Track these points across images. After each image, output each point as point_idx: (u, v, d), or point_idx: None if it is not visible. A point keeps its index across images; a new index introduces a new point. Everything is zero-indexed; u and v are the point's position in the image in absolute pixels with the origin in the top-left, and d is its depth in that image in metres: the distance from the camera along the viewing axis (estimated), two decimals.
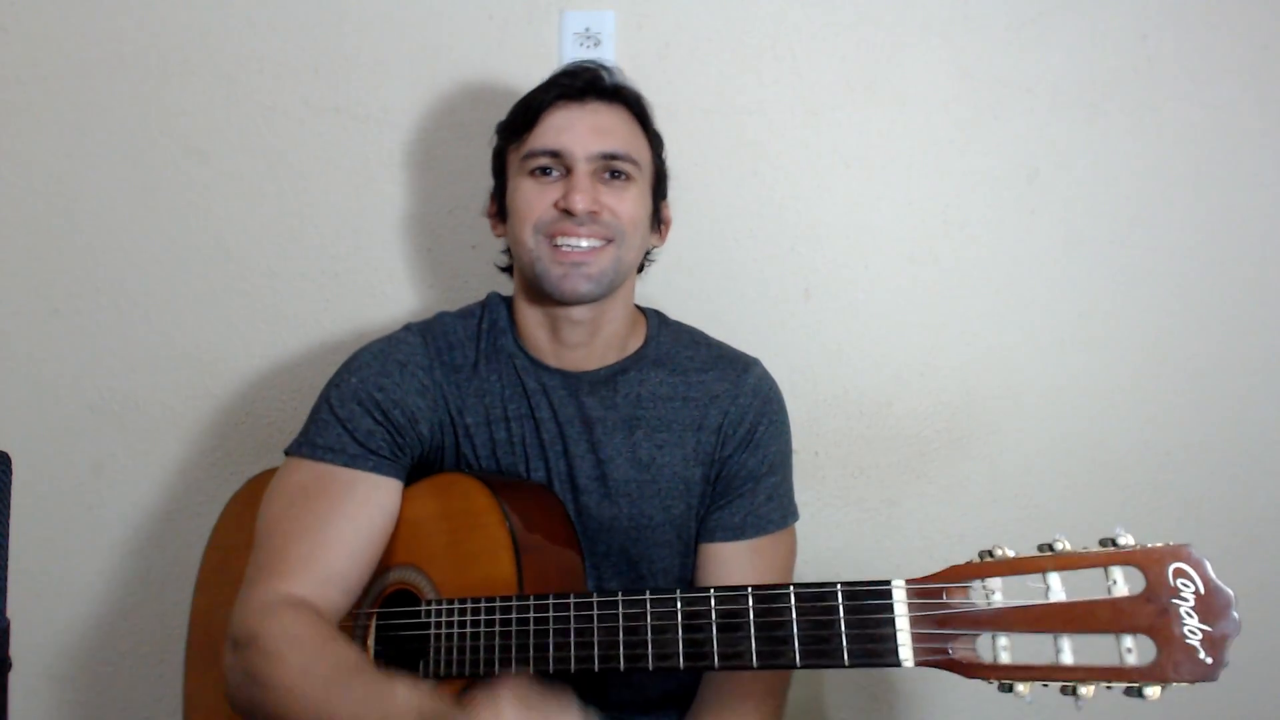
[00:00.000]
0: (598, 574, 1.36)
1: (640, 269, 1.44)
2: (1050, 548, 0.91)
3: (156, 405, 1.76)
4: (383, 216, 1.73)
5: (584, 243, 1.31)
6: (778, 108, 1.67)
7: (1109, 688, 0.88)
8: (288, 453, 1.33)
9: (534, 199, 1.32)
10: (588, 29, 1.66)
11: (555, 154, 1.32)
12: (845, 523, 1.72)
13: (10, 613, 1.21)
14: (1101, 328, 1.68)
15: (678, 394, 1.37)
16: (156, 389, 1.76)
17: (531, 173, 1.33)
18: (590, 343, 1.37)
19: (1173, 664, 0.86)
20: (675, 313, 1.47)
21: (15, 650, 1.23)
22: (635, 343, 1.41)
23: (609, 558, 1.36)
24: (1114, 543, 0.90)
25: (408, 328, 1.41)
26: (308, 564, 1.22)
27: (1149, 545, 0.88)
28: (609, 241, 1.32)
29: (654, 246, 1.45)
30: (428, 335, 1.39)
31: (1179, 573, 0.87)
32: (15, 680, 1.22)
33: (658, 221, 1.43)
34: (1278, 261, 1.67)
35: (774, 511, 1.37)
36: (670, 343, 1.42)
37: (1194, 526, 1.69)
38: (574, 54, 1.64)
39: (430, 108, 1.70)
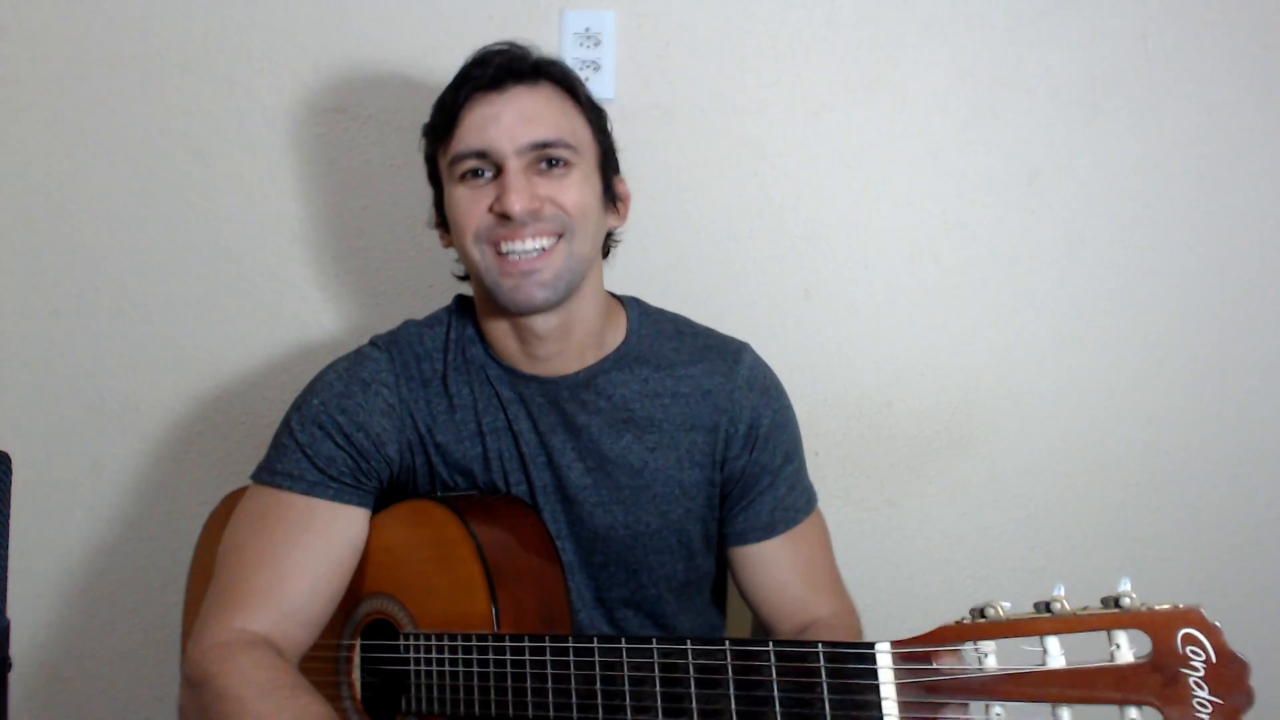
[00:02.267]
0: (596, 585, 1.32)
1: (606, 253, 1.34)
2: (1048, 607, 0.84)
3: (156, 405, 1.76)
4: (382, 216, 1.73)
5: (530, 244, 1.20)
6: (778, 108, 1.67)
7: None
8: (251, 478, 1.28)
9: (469, 207, 1.22)
10: (588, 29, 1.66)
11: (481, 154, 1.20)
12: (845, 523, 1.72)
13: (10, 613, 1.21)
14: (1101, 328, 1.68)
15: (666, 390, 1.29)
16: (156, 389, 1.76)
17: (462, 178, 1.22)
18: (563, 346, 1.27)
19: None
20: (676, 313, 1.45)
21: (15, 650, 1.23)
22: (615, 338, 1.32)
23: (607, 567, 1.31)
24: (1117, 603, 0.83)
25: (373, 343, 1.33)
26: (266, 597, 1.18)
27: (1156, 607, 0.81)
28: (559, 237, 1.21)
29: (614, 227, 1.33)
30: (394, 349, 1.31)
31: (1189, 639, 0.80)
32: (15, 680, 1.23)
33: (612, 199, 1.30)
34: (1278, 261, 1.67)
35: (799, 499, 1.33)
36: (653, 335, 1.33)
37: (1194, 527, 1.69)
38: (574, 54, 1.64)
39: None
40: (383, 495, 1.30)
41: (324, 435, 1.25)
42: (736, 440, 1.30)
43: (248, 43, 1.70)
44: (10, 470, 1.21)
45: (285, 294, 1.74)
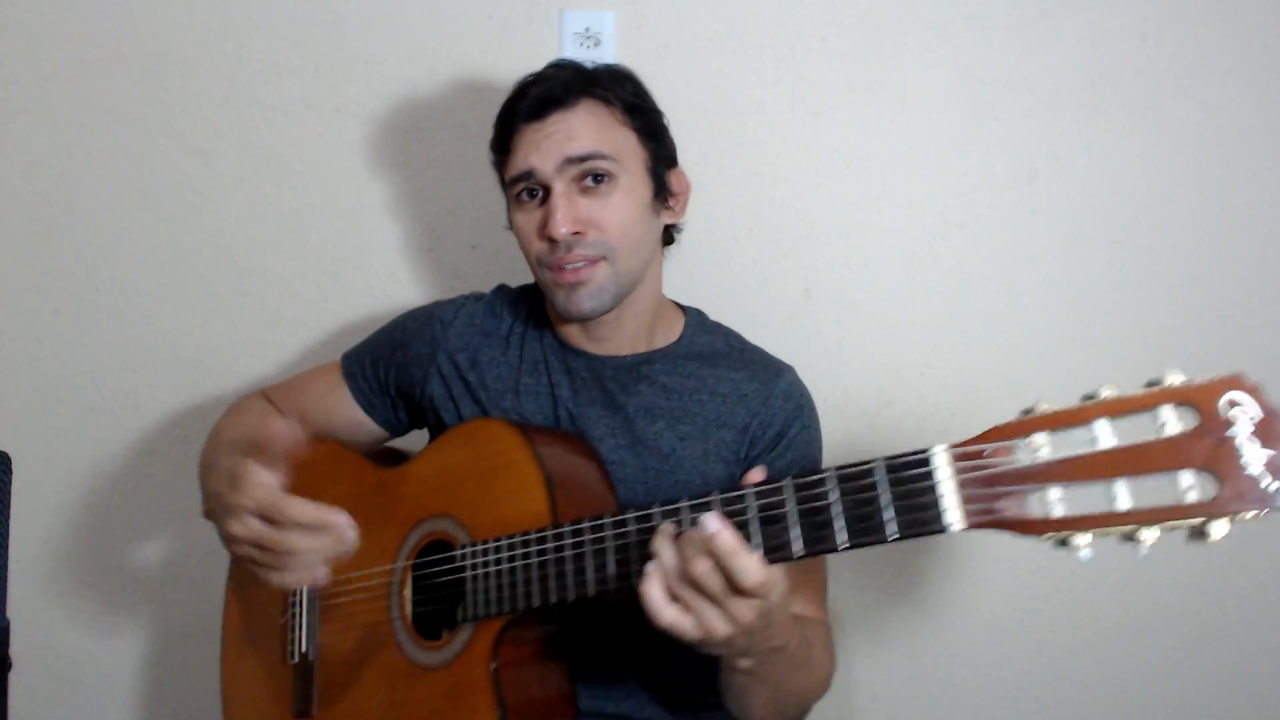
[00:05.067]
0: None
1: (670, 241, 1.43)
2: (1092, 395, 0.87)
3: (156, 405, 1.76)
4: (383, 216, 1.73)
5: (578, 264, 1.30)
6: (778, 108, 1.67)
7: (1173, 529, 0.82)
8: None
9: (527, 230, 1.33)
10: (588, 29, 1.66)
11: (528, 174, 1.30)
12: None
13: (10, 613, 1.21)
14: (1101, 328, 1.68)
15: (705, 387, 1.36)
16: (156, 389, 1.76)
17: (517, 198, 1.33)
18: (616, 334, 1.37)
19: (1235, 495, 0.80)
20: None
21: (15, 650, 1.23)
22: (669, 336, 1.41)
23: None
24: (1159, 382, 0.85)
25: (472, 294, 1.48)
26: (290, 387, 1.53)
27: (1197, 380, 0.84)
28: (600, 259, 1.30)
29: (670, 223, 1.41)
30: (478, 302, 1.45)
31: (1233, 402, 0.82)
32: (15, 680, 1.23)
33: (665, 197, 1.38)
34: (1278, 261, 1.67)
35: None
36: (705, 342, 1.41)
37: None
38: (574, 54, 1.64)
39: (430, 108, 1.70)
40: (409, 414, 1.48)
41: (385, 341, 1.47)
42: (762, 441, 1.35)
43: (248, 43, 1.70)
44: (10, 470, 1.21)
45: (285, 294, 1.74)
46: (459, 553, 1.24)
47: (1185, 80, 1.64)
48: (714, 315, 1.47)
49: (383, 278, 1.74)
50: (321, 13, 1.69)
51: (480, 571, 1.21)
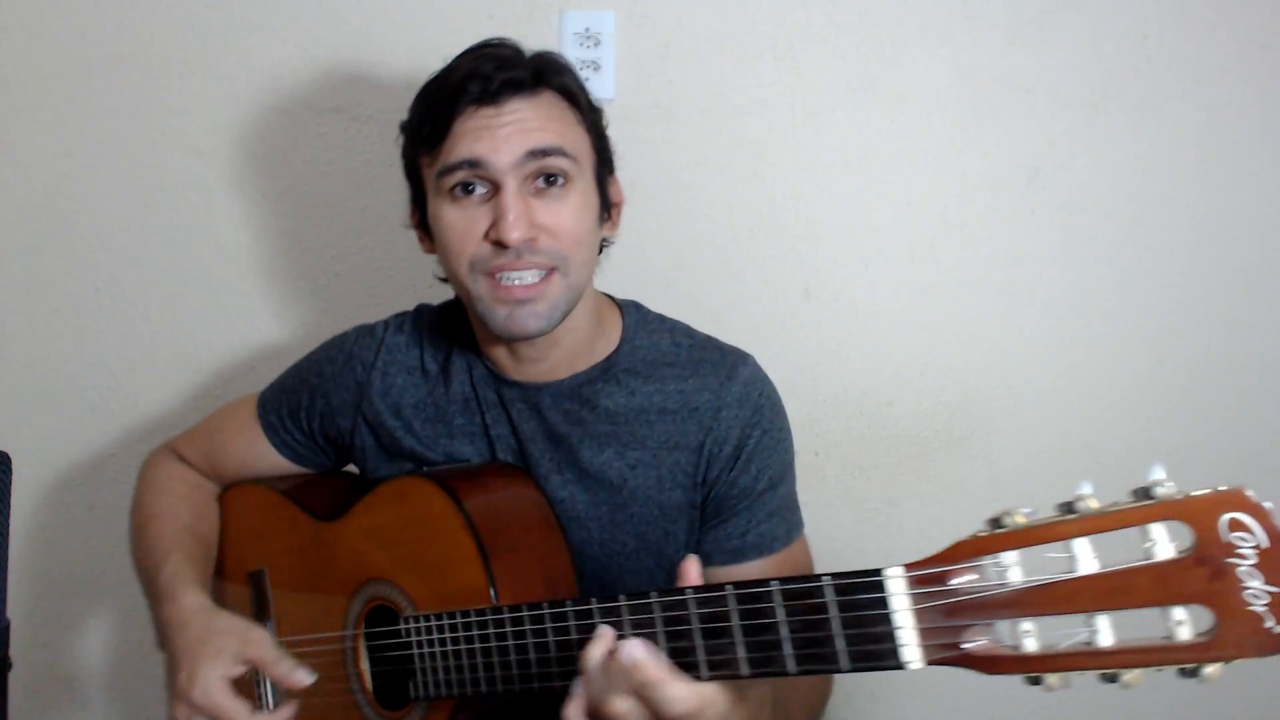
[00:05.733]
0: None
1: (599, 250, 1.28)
2: (1071, 508, 0.75)
3: (156, 405, 1.76)
4: (383, 216, 1.73)
5: (528, 275, 1.14)
6: (778, 108, 1.67)
7: (1159, 671, 0.72)
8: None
9: (462, 231, 1.15)
10: (588, 29, 1.66)
11: (474, 163, 1.13)
12: (845, 523, 1.72)
13: (10, 613, 1.22)
14: (1101, 328, 1.68)
15: (653, 406, 1.23)
16: (156, 389, 1.76)
17: (451, 192, 1.15)
18: (550, 355, 1.23)
19: (1234, 637, 0.69)
20: (675, 313, 1.40)
21: (15, 650, 1.23)
22: (607, 345, 1.27)
23: (582, 582, 1.25)
24: (1149, 493, 0.72)
25: (386, 321, 1.36)
26: (205, 442, 1.43)
27: (1192, 494, 0.71)
28: (553, 270, 1.15)
29: (607, 236, 1.27)
30: (398, 334, 1.34)
31: (1235, 524, 0.69)
32: (15, 680, 1.23)
33: (606, 209, 1.24)
34: (1278, 261, 1.67)
35: (777, 528, 1.25)
36: (648, 346, 1.27)
37: None
38: (574, 54, 1.64)
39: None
40: (340, 458, 1.41)
41: (303, 387, 1.37)
42: (720, 459, 1.23)
43: (247, 43, 1.70)
44: (10, 470, 1.21)
45: (285, 294, 1.74)
46: (404, 627, 1.17)
47: (1185, 80, 1.64)
48: (715, 316, 1.46)
49: (382, 277, 1.74)
50: (321, 13, 1.69)
51: (428, 650, 1.14)
